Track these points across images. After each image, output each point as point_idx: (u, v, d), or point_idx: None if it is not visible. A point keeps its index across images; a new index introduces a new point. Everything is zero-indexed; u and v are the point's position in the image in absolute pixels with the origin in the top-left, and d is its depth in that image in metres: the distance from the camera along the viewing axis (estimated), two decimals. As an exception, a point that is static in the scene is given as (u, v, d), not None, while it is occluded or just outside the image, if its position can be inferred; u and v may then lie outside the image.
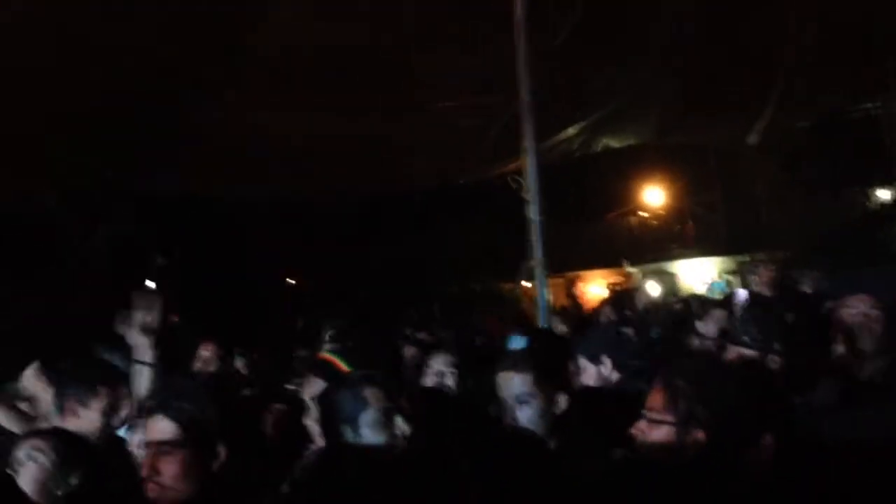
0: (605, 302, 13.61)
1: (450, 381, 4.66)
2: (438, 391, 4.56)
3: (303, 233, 18.65)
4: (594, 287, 22.00)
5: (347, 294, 19.02)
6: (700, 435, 2.91)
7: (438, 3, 10.63)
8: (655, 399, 3.05)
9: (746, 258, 20.37)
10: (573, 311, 17.46)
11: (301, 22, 10.64)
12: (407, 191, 17.20)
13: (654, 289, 18.53)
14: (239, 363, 7.85)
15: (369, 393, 3.23)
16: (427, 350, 6.14)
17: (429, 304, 17.54)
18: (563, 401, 3.71)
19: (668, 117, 16.34)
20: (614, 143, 17.42)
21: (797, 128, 17.75)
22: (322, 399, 3.44)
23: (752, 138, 17.29)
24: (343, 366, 3.70)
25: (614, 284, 21.84)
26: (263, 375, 7.80)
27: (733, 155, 19.73)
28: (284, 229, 18.26)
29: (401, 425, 3.18)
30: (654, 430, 3.00)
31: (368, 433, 3.16)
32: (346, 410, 3.20)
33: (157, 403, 3.16)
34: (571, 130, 15.24)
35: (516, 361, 3.90)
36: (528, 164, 9.12)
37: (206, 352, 7.45)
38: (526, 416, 3.69)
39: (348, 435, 3.17)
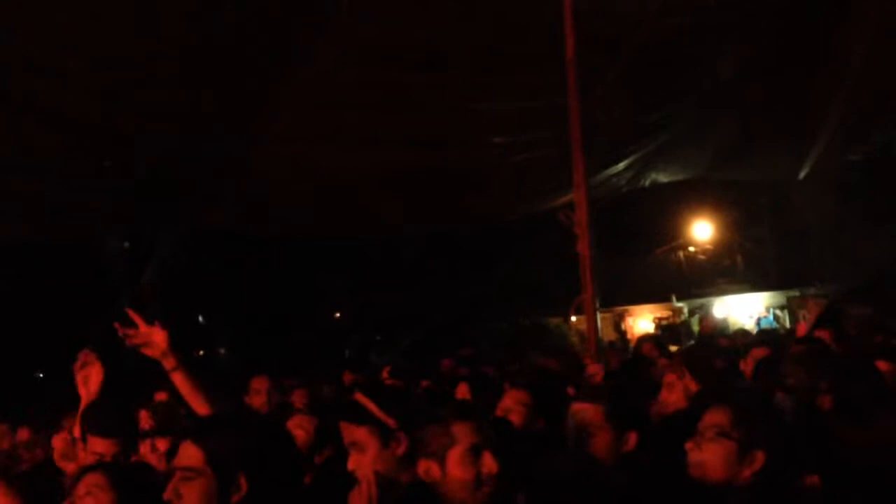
0: (644, 338, 13.55)
1: (516, 418, 4.59)
2: (509, 426, 4.50)
3: (354, 269, 18.77)
4: (642, 321, 21.90)
5: (396, 330, 19.14)
6: (760, 455, 3.01)
7: (492, 41, 10.69)
8: (719, 417, 3.14)
9: (796, 293, 20.26)
10: (621, 345, 17.41)
11: (351, 59, 10.74)
12: (457, 226, 17.25)
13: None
14: (297, 396, 7.86)
15: (458, 429, 3.25)
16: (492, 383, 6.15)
17: (478, 340, 17.57)
18: (632, 439, 3.68)
19: (717, 152, 16.33)
20: (662, 178, 17.40)
21: (849, 161, 17.64)
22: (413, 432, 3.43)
23: (803, 172, 17.21)
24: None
25: (661, 319, 21.74)
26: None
27: (783, 189, 19.62)
28: (336, 265, 18.38)
29: (489, 463, 3.18)
30: (715, 445, 3.09)
31: (455, 470, 3.17)
32: (433, 446, 3.21)
33: (188, 429, 3.22)
34: (620, 166, 15.24)
35: (592, 392, 3.90)
36: (579, 198, 9.11)
37: (258, 385, 7.50)
38: (593, 448, 3.68)
39: (433, 471, 3.18)
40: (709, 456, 3.10)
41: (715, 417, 3.15)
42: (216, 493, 2.94)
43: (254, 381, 7.53)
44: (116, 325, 4.23)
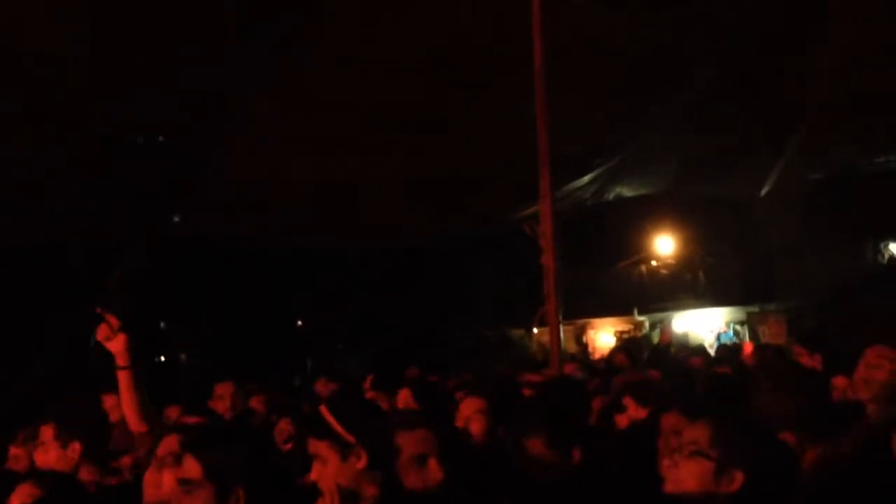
0: (617, 349, 13.61)
1: (475, 427, 4.61)
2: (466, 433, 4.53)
3: (316, 277, 18.70)
4: (603, 334, 21.96)
5: (359, 340, 19.09)
6: (739, 476, 2.92)
7: (458, 50, 10.72)
8: (698, 433, 3.04)
9: (756, 309, 20.44)
10: (583, 357, 17.46)
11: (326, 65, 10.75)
12: (422, 237, 17.28)
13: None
14: (256, 401, 7.84)
15: (403, 439, 3.28)
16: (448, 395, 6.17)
17: (442, 351, 17.57)
18: (577, 455, 3.70)
19: (681, 167, 16.46)
20: (627, 192, 17.52)
21: (810, 180, 17.85)
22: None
23: (765, 189, 17.41)
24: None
25: (623, 332, 21.81)
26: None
27: (746, 206, 19.82)
28: (299, 273, 18.31)
29: (434, 470, 3.21)
30: (693, 463, 2.99)
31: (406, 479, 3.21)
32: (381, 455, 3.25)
33: (188, 441, 3.23)
34: (585, 179, 15.33)
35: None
36: (544, 210, 9.13)
37: (222, 390, 7.48)
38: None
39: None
40: (685, 474, 3.01)
41: (695, 434, 3.05)
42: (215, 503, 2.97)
43: (218, 386, 7.53)
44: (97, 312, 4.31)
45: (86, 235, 14.05)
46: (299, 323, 22.15)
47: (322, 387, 9.66)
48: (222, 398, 7.38)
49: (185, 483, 3.02)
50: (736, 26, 11.89)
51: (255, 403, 7.86)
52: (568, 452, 3.70)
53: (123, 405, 4.33)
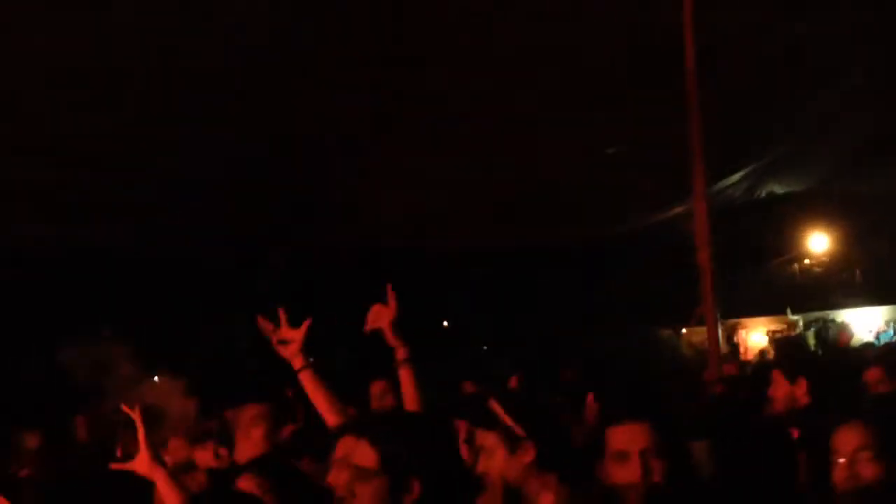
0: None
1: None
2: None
3: (463, 279, 18.85)
4: (755, 334, 21.53)
5: (506, 341, 19.13)
6: None
7: (605, 52, 10.68)
8: (866, 438, 3.05)
9: (919, 307, 19.73)
10: (732, 359, 17.15)
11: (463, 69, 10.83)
12: (571, 238, 17.24)
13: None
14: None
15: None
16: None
17: (589, 352, 17.50)
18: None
19: (835, 163, 16.02)
20: (779, 190, 17.15)
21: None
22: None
23: (925, 183, 16.79)
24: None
25: (776, 331, 21.33)
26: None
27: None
28: (444, 275, 18.49)
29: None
30: (872, 466, 3.01)
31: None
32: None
33: (364, 428, 3.30)
34: (736, 176, 15.07)
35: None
36: (699, 209, 9.05)
37: (376, 388, 7.62)
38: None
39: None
40: (864, 476, 3.00)
41: (863, 438, 3.06)
42: (388, 494, 3.04)
43: (373, 385, 7.68)
44: (260, 319, 4.40)
45: (232, 241, 14.45)
46: (445, 324, 22.35)
47: (469, 389, 9.77)
48: (376, 397, 7.52)
49: (359, 471, 3.09)
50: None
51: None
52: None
53: (315, 404, 4.36)
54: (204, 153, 11.32)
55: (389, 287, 4.28)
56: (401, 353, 4.23)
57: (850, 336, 16.78)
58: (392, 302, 4.24)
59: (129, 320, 13.53)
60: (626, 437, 3.24)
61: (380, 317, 4.25)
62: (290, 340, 4.34)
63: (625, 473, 3.18)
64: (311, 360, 4.36)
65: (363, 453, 3.11)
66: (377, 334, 4.12)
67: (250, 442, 4.83)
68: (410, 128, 11.88)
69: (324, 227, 14.71)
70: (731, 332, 21.16)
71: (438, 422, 4.28)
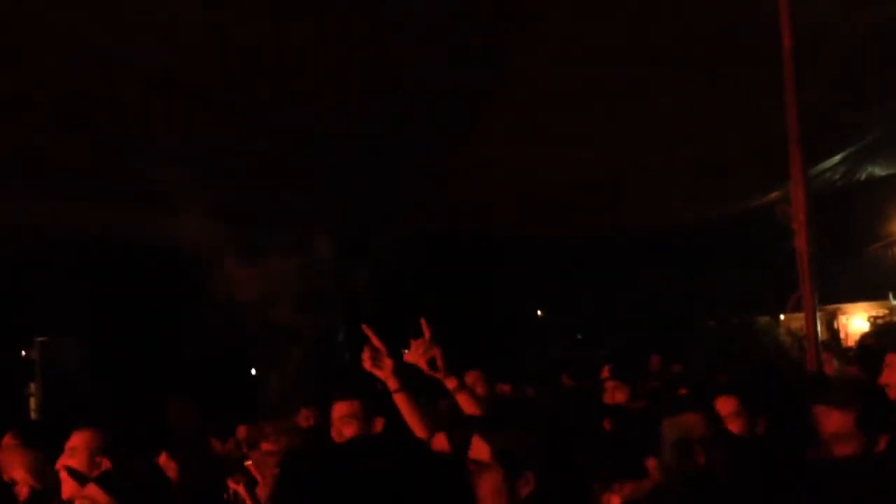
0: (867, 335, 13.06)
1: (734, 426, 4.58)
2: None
3: (557, 268, 18.82)
4: (856, 320, 21.06)
5: (601, 330, 19.06)
6: None
7: (698, 33, 10.51)
8: None
9: None
10: (834, 345, 16.82)
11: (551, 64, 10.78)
12: (666, 225, 17.09)
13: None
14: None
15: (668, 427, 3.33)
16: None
17: (686, 339, 17.35)
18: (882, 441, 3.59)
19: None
20: (879, 172, 16.73)
21: None
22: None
23: None
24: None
25: (877, 317, 20.85)
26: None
27: None
28: (540, 265, 18.47)
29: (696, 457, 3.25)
30: None
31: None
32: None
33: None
34: (835, 159, 14.74)
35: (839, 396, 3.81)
36: (797, 193, 8.86)
37: (470, 379, 7.66)
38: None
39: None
40: None
41: None
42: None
43: (467, 375, 7.73)
44: (365, 328, 4.45)
45: (334, 232, 14.59)
46: (539, 313, 22.35)
47: (567, 381, 9.77)
48: (473, 385, 7.57)
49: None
50: None
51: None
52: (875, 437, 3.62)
53: (409, 423, 4.41)
54: (303, 142, 11.49)
55: (424, 322, 4.34)
56: (450, 383, 4.29)
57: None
58: (427, 334, 4.31)
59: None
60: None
61: (416, 351, 4.32)
62: (381, 364, 4.41)
63: None
64: (406, 380, 4.43)
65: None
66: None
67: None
68: (503, 118, 11.89)
69: (419, 219, 14.82)
70: (830, 318, 20.75)
71: (553, 418, 4.29)
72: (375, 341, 4.43)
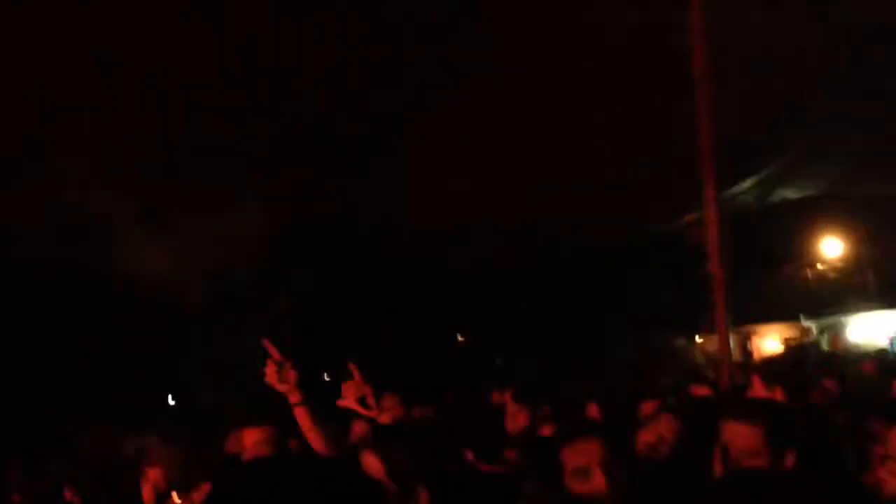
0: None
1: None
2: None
3: (476, 291, 18.84)
4: (769, 341, 21.45)
5: (516, 356, 19.11)
6: None
7: (612, 58, 10.65)
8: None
9: (933, 311, 19.60)
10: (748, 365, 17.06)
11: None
12: (583, 249, 17.23)
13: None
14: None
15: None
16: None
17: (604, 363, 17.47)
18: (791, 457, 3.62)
19: (847, 167, 15.97)
20: (791, 195, 17.10)
21: None
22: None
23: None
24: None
25: (790, 338, 21.27)
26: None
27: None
28: (458, 287, 18.48)
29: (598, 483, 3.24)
30: None
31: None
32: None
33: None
34: (748, 182, 15.02)
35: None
36: (710, 216, 8.96)
37: (387, 403, 7.62)
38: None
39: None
40: None
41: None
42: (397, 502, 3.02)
43: (384, 399, 7.67)
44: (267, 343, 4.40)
45: (251, 258, 14.42)
46: (460, 338, 22.34)
47: (497, 398, 9.75)
48: (389, 409, 7.53)
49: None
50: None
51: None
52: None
53: (308, 437, 4.39)
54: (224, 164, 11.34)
55: (352, 365, 4.38)
56: (384, 418, 4.30)
57: (844, 341, 16.70)
58: (357, 376, 4.34)
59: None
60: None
61: (348, 393, 4.34)
62: (284, 377, 4.37)
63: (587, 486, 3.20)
64: (307, 395, 4.39)
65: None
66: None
67: None
68: (421, 144, 11.89)
69: (339, 243, 14.72)
70: (744, 340, 21.11)
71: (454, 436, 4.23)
72: (277, 355, 4.38)
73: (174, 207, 12.08)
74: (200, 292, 14.03)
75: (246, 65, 9.65)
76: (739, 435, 3.67)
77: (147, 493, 4.97)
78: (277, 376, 4.36)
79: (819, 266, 21.60)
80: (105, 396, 14.28)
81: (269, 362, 4.39)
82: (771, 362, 7.24)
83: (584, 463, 3.23)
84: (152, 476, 5.01)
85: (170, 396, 17.13)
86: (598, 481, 3.20)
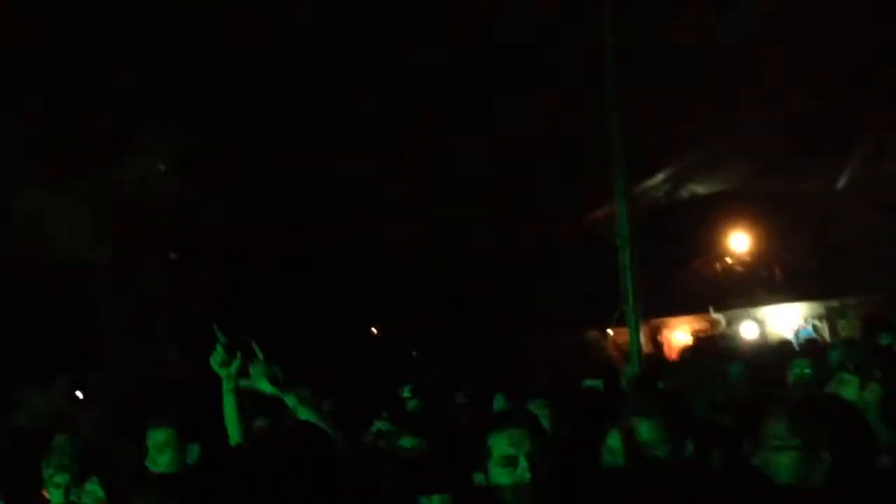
0: (688, 348, 13.56)
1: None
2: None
3: (389, 286, 18.80)
4: (679, 333, 21.79)
5: (433, 348, 19.13)
6: (826, 455, 3.01)
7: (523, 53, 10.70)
8: (777, 428, 3.14)
9: (835, 304, 20.10)
10: (654, 357, 17.35)
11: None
12: (496, 243, 17.29)
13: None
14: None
15: (494, 441, 3.35)
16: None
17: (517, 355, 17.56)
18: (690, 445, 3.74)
19: (756, 164, 16.30)
20: (701, 190, 17.39)
21: (888, 172, 17.50)
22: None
23: (842, 183, 17.14)
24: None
25: (699, 331, 21.62)
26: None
27: (823, 200, 19.53)
28: (373, 282, 18.43)
29: (522, 472, 3.27)
30: (780, 455, 3.09)
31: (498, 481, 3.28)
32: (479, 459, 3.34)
33: None
34: (659, 177, 15.25)
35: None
36: (620, 211, 9.12)
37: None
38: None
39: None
40: (776, 466, 3.10)
41: (774, 429, 3.16)
42: None
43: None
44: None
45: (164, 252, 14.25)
46: (374, 332, 22.28)
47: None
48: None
49: None
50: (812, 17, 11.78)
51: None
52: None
53: (228, 424, 4.36)
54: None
55: (255, 344, 4.34)
56: (290, 400, 4.28)
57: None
58: (260, 355, 4.32)
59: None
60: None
61: (255, 373, 4.31)
62: (229, 363, 4.34)
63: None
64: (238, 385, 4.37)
65: None
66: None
67: None
68: (333, 133, 11.84)
69: (253, 239, 14.59)
70: (654, 332, 21.41)
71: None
72: (225, 340, 4.34)
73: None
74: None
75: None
76: (640, 428, 3.79)
77: None
78: (223, 361, 4.33)
79: (727, 260, 22.00)
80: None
81: (219, 346, 4.34)
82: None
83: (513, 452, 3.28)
84: None
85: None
86: (524, 470, 3.26)
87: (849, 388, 4.26)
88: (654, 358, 16.93)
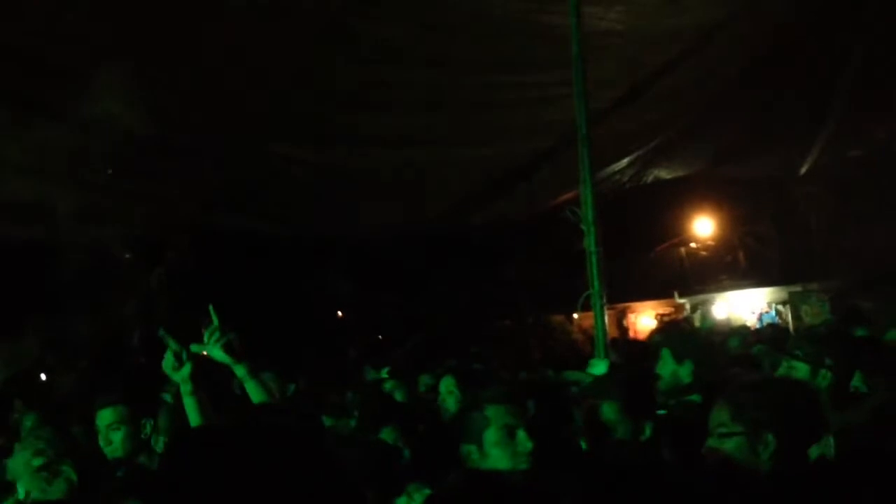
0: (655, 332, 13.61)
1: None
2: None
3: (356, 267, 18.77)
4: (644, 318, 21.97)
5: (398, 331, 19.13)
6: (769, 437, 3.03)
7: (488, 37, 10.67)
8: (720, 415, 3.17)
9: (798, 288, 20.32)
10: (623, 342, 17.45)
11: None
12: (462, 225, 17.27)
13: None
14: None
15: (493, 412, 3.38)
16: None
17: (482, 339, 17.61)
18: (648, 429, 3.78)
19: (719, 149, 16.40)
20: (665, 175, 17.47)
21: (851, 157, 17.69)
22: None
23: (805, 168, 17.30)
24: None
25: (664, 315, 21.80)
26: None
27: (786, 185, 19.71)
28: (339, 263, 18.39)
29: (523, 441, 3.31)
30: (726, 442, 3.12)
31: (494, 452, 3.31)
32: (472, 431, 3.36)
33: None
34: (623, 162, 15.30)
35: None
36: (585, 195, 9.12)
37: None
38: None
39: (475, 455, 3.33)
40: (722, 453, 3.13)
41: (718, 416, 3.19)
42: None
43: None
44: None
45: (128, 231, 14.07)
46: (339, 314, 22.26)
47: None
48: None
49: None
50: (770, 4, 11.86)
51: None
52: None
53: (190, 420, 4.29)
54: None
55: (212, 309, 4.22)
56: (239, 371, 4.20)
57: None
58: (216, 321, 4.20)
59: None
60: None
61: (210, 339, 4.20)
62: (182, 367, 4.23)
63: None
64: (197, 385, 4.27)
65: None
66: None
67: None
68: (296, 117, 11.75)
69: (215, 218, 14.47)
70: (620, 317, 21.59)
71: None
72: (175, 345, 4.23)
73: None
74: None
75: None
76: (602, 408, 3.82)
77: None
78: (175, 366, 4.17)
79: (692, 245, 22.18)
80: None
81: (168, 352, 4.17)
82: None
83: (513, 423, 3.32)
84: None
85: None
86: (524, 439, 3.29)
87: (799, 376, 4.30)
88: (625, 342, 17.10)
